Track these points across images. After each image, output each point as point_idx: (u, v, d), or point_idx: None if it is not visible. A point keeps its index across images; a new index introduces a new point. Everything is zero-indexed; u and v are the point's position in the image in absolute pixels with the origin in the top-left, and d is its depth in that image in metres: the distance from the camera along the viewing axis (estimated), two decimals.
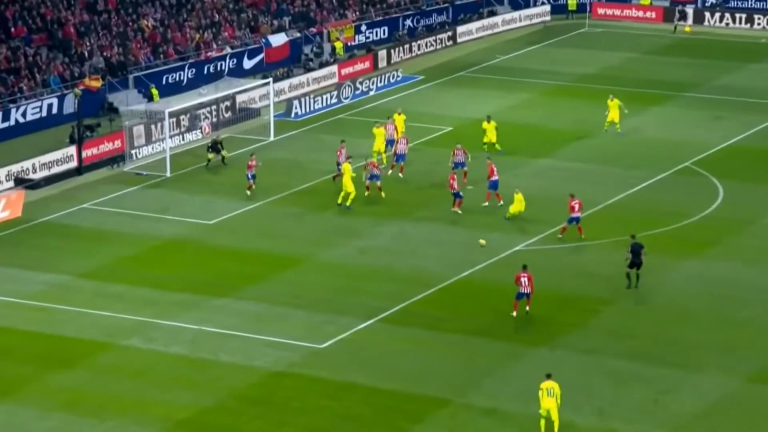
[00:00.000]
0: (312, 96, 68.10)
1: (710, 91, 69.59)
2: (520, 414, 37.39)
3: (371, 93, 70.05)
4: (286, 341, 41.95)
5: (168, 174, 57.89)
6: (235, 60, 71.92)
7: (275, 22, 76.50)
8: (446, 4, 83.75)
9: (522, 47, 79.57)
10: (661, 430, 36.51)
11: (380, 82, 71.17)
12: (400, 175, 56.33)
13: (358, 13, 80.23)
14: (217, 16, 74.89)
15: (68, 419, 37.43)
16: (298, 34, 75.76)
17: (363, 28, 79.10)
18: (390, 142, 58.35)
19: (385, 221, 51.80)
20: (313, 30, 77.18)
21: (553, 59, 76.66)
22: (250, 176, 54.52)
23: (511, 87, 70.88)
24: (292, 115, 66.39)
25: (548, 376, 36.26)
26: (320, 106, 67.67)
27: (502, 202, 52.31)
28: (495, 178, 52.69)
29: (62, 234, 51.51)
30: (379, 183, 53.57)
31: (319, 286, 45.99)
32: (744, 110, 65.73)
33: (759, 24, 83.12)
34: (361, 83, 70.46)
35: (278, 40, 74.13)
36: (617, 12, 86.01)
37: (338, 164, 54.79)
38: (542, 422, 35.74)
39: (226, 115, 64.36)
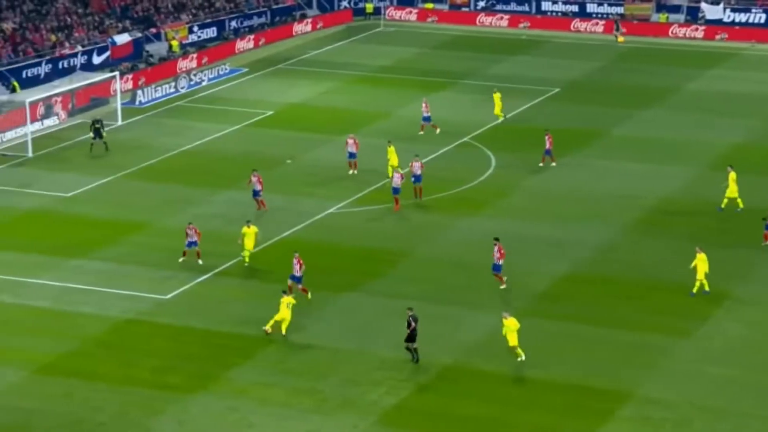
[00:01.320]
0: (153, 86, 66.91)
1: (483, 78, 70.58)
2: (332, 348, 37.46)
3: (203, 83, 69.17)
4: (135, 294, 41.35)
5: (30, 154, 56.31)
6: (86, 57, 70.23)
7: (120, 24, 74.99)
8: (265, 8, 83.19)
9: (329, 44, 79.48)
10: (447, 358, 37.05)
11: (211, 74, 70.32)
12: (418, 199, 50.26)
13: (191, 15, 79.18)
14: (69, 19, 73.07)
15: None
16: (140, 34, 74.39)
17: (195, 28, 78.08)
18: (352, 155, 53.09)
19: (218, 191, 51.28)
20: (153, 30, 75.83)
21: (355, 54, 76.76)
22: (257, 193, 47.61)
23: (321, 77, 70.76)
24: (137, 102, 65.17)
25: (506, 313, 36.50)
26: (161, 94, 66.54)
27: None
28: (418, 173, 49.49)
29: None
30: (397, 195, 48.53)
31: (161, 247, 45.35)
32: (509, 94, 66.78)
33: (521, 24, 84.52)
34: (194, 75, 69.48)
35: (123, 39, 72.63)
36: (405, 14, 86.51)
37: (255, 193, 48.36)
38: (518, 351, 36.28)
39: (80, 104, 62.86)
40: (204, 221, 47.57)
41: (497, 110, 61.44)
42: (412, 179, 50.30)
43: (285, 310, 37.80)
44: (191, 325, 39.15)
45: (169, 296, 41.21)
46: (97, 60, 70.80)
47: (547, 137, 54.18)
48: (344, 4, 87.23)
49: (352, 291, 41.81)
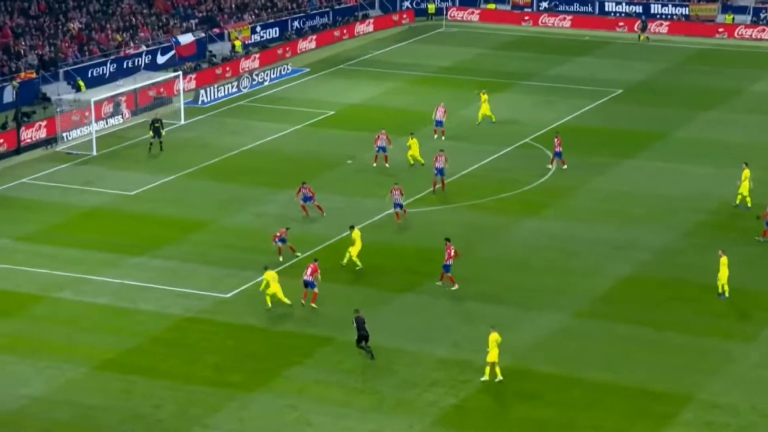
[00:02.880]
0: (216, 86, 67.20)
1: (544, 79, 70.07)
2: (390, 348, 37.33)
3: (266, 83, 69.34)
4: (196, 292, 41.44)
5: (94, 153, 56.78)
6: (150, 56, 70.72)
7: (184, 24, 75.48)
8: (327, 9, 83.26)
9: (391, 44, 79.36)
10: (506, 358, 36.71)
11: (273, 74, 70.47)
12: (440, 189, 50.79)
13: (254, 16, 79.49)
14: (133, 19, 73.65)
15: (7, 360, 36.62)
16: (203, 35, 74.79)
17: (258, 28, 78.34)
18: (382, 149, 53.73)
19: (279, 191, 51.32)
20: (217, 31, 76.22)
21: (416, 54, 76.56)
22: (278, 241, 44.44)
23: (382, 77, 70.65)
24: (199, 102, 65.49)
25: (493, 328, 35.50)
26: (223, 94, 66.80)
27: (435, 191, 50.72)
28: (440, 166, 50.29)
29: (3, 204, 50.27)
30: (401, 210, 47.28)
31: (223, 246, 45.45)
32: (571, 95, 66.33)
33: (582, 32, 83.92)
34: (257, 75, 69.69)
35: (186, 39, 73.08)
36: (467, 15, 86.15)
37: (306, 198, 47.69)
38: (487, 369, 35.23)
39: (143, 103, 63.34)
40: (264, 221, 47.66)
41: (486, 111, 60.08)
42: (435, 172, 50.27)
43: (274, 284, 38.74)
44: (251, 324, 39.16)
45: (229, 295, 41.26)
46: (161, 60, 71.28)
47: (556, 139, 53.61)
48: (406, 4, 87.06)
49: (411, 291, 41.59)
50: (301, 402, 34.40)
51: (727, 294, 40.50)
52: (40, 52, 66.83)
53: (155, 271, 43.16)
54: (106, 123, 60.78)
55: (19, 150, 57.02)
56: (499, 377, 35.28)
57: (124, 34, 71.63)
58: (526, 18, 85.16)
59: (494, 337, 35.31)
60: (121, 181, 52.82)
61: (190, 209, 49.43)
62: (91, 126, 58.00)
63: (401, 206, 47.24)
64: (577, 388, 35.20)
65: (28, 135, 57.95)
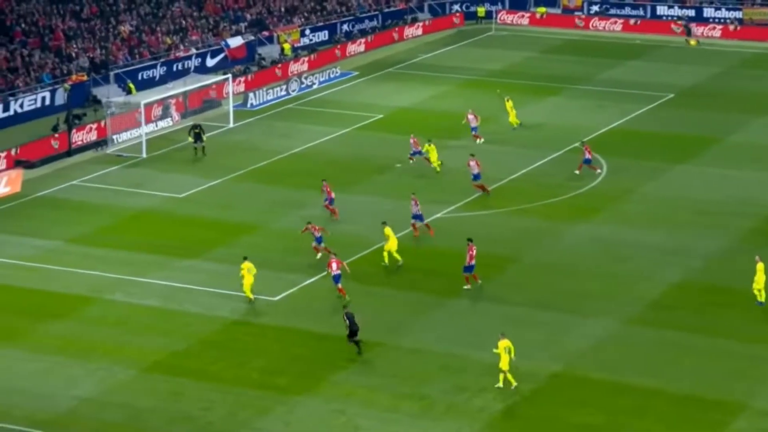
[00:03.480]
0: (265, 89, 67.53)
1: (594, 83, 69.77)
2: (440, 353, 37.39)
3: (314, 86, 69.59)
4: (244, 295, 41.61)
5: (144, 155, 57.26)
6: (199, 59, 71.23)
7: (234, 27, 75.92)
8: (376, 12, 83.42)
9: (440, 47, 79.37)
10: (556, 365, 36.61)
11: (322, 77, 70.70)
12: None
13: (303, 19, 79.78)
14: (183, 22, 74.18)
15: (59, 361, 37.01)
16: (253, 37, 75.19)
17: (307, 31, 78.64)
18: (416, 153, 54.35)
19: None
20: (266, 33, 76.59)
21: (466, 58, 76.50)
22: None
23: (431, 81, 70.66)
24: (248, 105, 65.84)
25: (503, 335, 35.41)
26: (272, 97, 67.14)
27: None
28: (476, 171, 50.48)
29: (54, 206, 50.85)
30: (419, 222, 46.66)
31: (271, 248, 45.67)
32: (622, 100, 66.00)
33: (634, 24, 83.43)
34: (305, 78, 69.96)
35: (236, 42, 73.51)
36: (517, 18, 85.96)
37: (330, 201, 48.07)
38: (501, 376, 35.17)
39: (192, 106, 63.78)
40: (314, 223, 47.80)
41: (511, 117, 60.15)
42: (472, 177, 50.29)
43: (248, 276, 40.26)
44: (298, 327, 39.31)
45: (277, 298, 41.45)
46: (210, 62, 71.76)
47: (584, 147, 53.20)
48: (456, 7, 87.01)
49: (459, 296, 41.57)
50: (349, 406, 34.49)
51: (764, 300, 40.07)
52: (91, 55, 67.53)
53: (204, 273, 43.46)
54: (156, 125, 61.28)
55: (70, 152, 57.65)
56: (512, 382, 35.03)
57: (174, 37, 72.17)
58: (578, 21, 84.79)
59: (504, 343, 35.12)
60: (170, 184, 53.23)
61: (238, 212, 49.71)
62: (141, 128, 58.49)
63: (420, 218, 46.54)
64: (626, 395, 35.02)
65: (78, 137, 58.59)
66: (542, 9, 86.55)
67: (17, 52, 65.00)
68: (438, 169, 53.39)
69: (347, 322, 37.12)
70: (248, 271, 40.74)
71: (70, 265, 44.07)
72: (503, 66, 73.96)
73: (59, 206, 50.84)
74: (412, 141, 54.59)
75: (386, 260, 43.47)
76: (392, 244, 43.37)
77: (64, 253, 45.43)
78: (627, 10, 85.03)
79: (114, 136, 59.01)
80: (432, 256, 44.46)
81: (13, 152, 55.82)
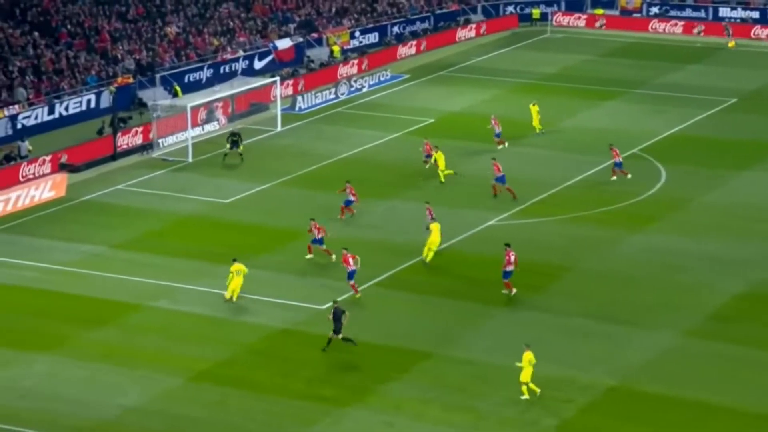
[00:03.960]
0: (314, 92, 67.74)
1: (654, 88, 69.32)
2: (491, 364, 37.28)
3: (364, 90, 69.73)
4: (291, 303, 41.78)
5: (190, 160, 57.63)
6: (247, 61, 71.59)
7: (282, 29, 76.25)
8: (428, 13, 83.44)
9: (493, 50, 79.25)
10: (612, 379, 36.38)
11: (372, 80, 70.82)
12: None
13: (353, 20, 79.97)
14: (231, 23, 74.59)
15: (103, 369, 37.29)
16: (302, 39, 75.46)
17: (357, 33, 78.83)
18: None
19: (377, 200, 51.53)
20: (315, 35, 76.85)
21: (520, 61, 76.33)
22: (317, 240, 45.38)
23: (484, 84, 70.56)
24: (297, 108, 66.07)
25: (527, 347, 35.44)
26: (320, 100, 67.33)
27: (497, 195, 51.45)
28: (501, 174, 51.08)
29: (99, 211, 51.27)
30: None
31: (319, 255, 45.72)
32: (682, 104, 65.54)
33: (695, 29, 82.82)
34: (355, 81, 70.11)
35: (284, 44, 73.81)
36: (574, 20, 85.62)
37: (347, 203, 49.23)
38: (524, 388, 35.12)
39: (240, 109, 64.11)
40: (363, 231, 47.90)
41: (535, 122, 59.96)
42: (495, 180, 50.74)
43: (237, 278, 41.20)
44: (348, 337, 39.29)
45: (325, 306, 41.50)
46: (258, 65, 72.11)
47: (612, 151, 53.25)
48: (510, 9, 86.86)
49: (513, 306, 41.44)
50: (398, 419, 34.46)
51: None
52: (137, 57, 68.07)
53: (250, 281, 43.59)
54: (202, 129, 61.64)
55: (115, 156, 58.13)
56: (536, 390, 34.93)
57: (222, 39, 72.60)
58: (636, 24, 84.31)
59: (528, 356, 35.00)
60: (216, 189, 53.53)
61: (285, 218, 49.88)
62: (187, 132, 58.87)
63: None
64: (686, 410, 34.71)
65: (124, 141, 59.07)
66: (600, 10, 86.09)
67: (63, 54, 65.69)
68: (442, 178, 53.02)
69: (333, 317, 37.74)
70: (237, 273, 41.40)
71: (115, 271, 44.43)
72: (558, 69, 73.70)
73: (103, 211, 51.28)
74: (425, 146, 54.84)
75: (429, 258, 44.12)
76: (436, 240, 43.95)
77: (109, 258, 45.81)
78: (688, 12, 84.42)
79: (159, 140, 59.45)
80: (482, 265, 44.36)
81: (60, 156, 56.33)
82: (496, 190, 51.27)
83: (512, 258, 41.46)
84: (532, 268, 43.89)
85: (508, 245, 41.93)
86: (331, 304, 38.94)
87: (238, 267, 41.70)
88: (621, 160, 53.22)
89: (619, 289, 42.63)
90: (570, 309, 40.99)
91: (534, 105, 60.84)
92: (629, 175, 53.33)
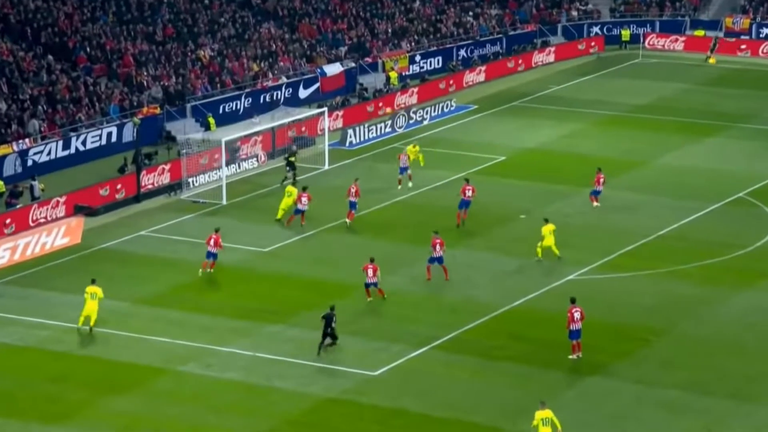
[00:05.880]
0: (367, 125, 68.36)
1: (764, 122, 69.23)
2: None
3: (425, 122, 70.23)
4: (339, 368, 42.08)
5: (224, 202, 58.29)
6: (290, 89, 72.38)
7: (331, 52, 76.94)
8: (500, 35, 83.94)
9: (575, 77, 79.59)
10: None
11: (434, 111, 71.33)
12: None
13: (413, 43, 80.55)
14: (273, 46, 75.43)
15: None
16: (353, 64, 76.12)
17: (417, 58, 79.44)
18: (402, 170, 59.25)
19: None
20: (369, 60, 77.51)
21: (606, 89, 76.57)
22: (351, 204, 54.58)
23: (564, 117, 70.87)
24: (347, 144, 66.65)
25: (543, 404, 35.90)
26: (375, 135, 67.92)
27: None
28: (466, 199, 53.88)
29: (120, 260, 51.92)
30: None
31: (371, 313, 46.09)
32: None
33: None
34: (415, 112, 70.67)
35: (333, 69, 74.48)
36: (670, 43, 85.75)
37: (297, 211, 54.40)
38: None
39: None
40: (423, 285, 48.17)
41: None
42: (459, 204, 53.67)
43: (91, 303, 43.88)
44: (404, 407, 39.54)
45: (378, 372, 41.78)
46: (303, 93, 72.89)
47: (597, 176, 55.50)
48: (595, 30, 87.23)
49: (599, 374, 41.47)
50: None
51: None
52: (166, 84, 68.99)
53: (293, 342, 44.00)
54: (239, 167, 62.32)
55: (138, 197, 58.90)
56: None
57: (262, 64, 73.45)
58: (743, 47, 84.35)
59: (542, 414, 35.76)
60: (255, 236, 54.09)
61: (334, 269, 50.28)
62: (221, 171, 59.56)
63: (440, 261, 48.19)
64: None
65: (149, 180, 59.89)
66: (701, 32, 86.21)
67: (80, 81, 66.79)
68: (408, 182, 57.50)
69: (324, 323, 42.06)
70: (92, 296, 43.96)
71: (138, 331, 44.97)
72: (651, 100, 73.86)
73: (125, 261, 51.94)
74: (402, 156, 58.35)
75: (540, 255, 48.93)
76: (550, 241, 49.09)
77: (131, 315, 46.38)
78: None
79: (189, 179, 60.20)
80: (560, 326, 44.46)
81: (73, 197, 57.17)
82: (459, 218, 53.57)
83: (577, 316, 41.58)
84: (620, 331, 43.90)
85: (573, 301, 42.11)
86: (329, 311, 42.40)
87: (93, 290, 43.93)
88: (601, 189, 55.02)
89: (721, 357, 42.54)
90: (664, 379, 40.95)
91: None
92: (596, 204, 55.30)
